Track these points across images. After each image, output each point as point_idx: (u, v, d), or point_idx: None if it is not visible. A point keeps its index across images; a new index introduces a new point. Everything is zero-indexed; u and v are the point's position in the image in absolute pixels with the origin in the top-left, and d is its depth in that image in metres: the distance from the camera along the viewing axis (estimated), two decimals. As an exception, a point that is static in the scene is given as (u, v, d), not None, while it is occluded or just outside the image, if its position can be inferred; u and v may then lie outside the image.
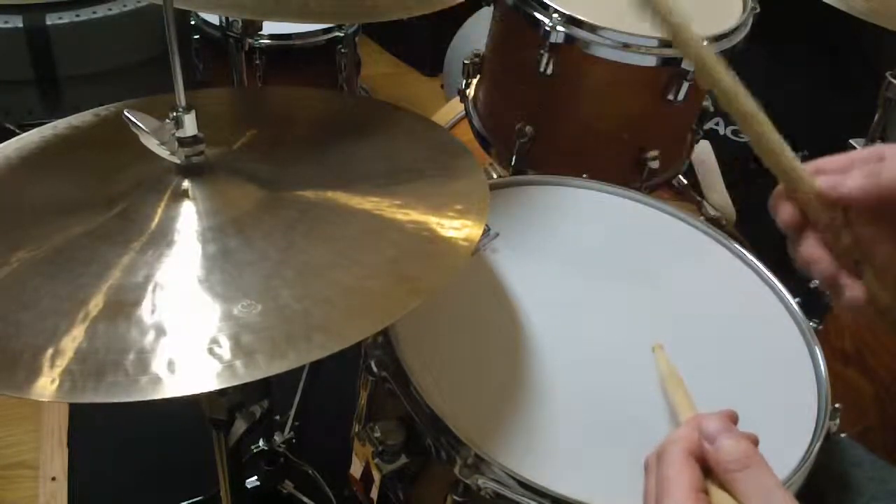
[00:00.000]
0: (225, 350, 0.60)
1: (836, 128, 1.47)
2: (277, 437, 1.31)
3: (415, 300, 0.67)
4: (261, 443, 1.30)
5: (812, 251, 0.52)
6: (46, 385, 0.57)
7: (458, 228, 0.73)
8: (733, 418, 0.51)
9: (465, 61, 1.34)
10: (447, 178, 0.82)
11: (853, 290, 0.51)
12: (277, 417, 1.33)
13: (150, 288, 0.65)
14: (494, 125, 1.31)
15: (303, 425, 1.36)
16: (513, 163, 1.24)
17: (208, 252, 0.69)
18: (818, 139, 1.80)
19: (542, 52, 1.11)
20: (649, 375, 0.79)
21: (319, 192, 0.79)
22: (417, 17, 0.95)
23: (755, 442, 0.50)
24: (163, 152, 0.73)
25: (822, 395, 0.79)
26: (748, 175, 1.72)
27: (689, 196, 1.44)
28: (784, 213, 0.53)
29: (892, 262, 0.51)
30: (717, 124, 1.76)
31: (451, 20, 2.18)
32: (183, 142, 0.73)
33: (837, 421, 0.77)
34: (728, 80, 0.54)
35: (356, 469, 0.82)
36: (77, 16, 1.80)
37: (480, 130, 1.33)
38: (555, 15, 1.09)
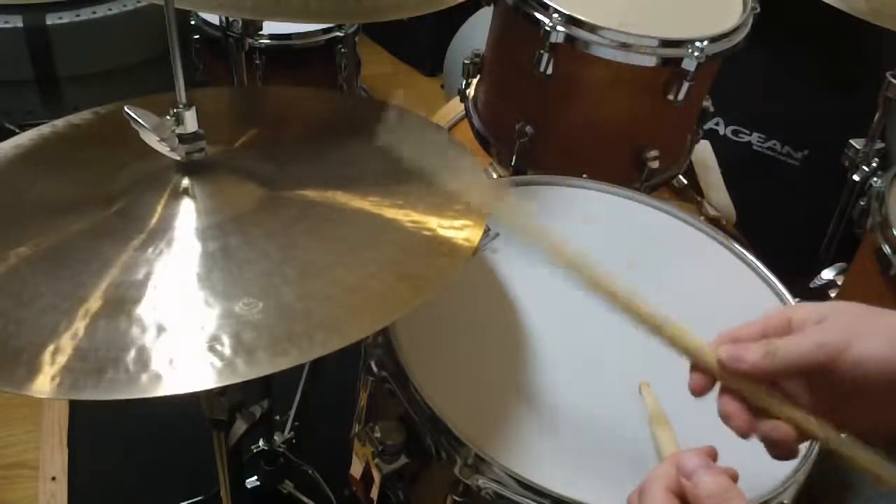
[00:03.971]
0: (226, 347, 0.60)
1: (836, 128, 1.48)
2: (277, 437, 1.31)
3: (415, 299, 0.67)
4: (261, 443, 1.30)
5: (727, 407, 0.55)
6: (46, 382, 0.57)
7: (458, 228, 0.73)
8: (712, 455, 0.53)
9: (465, 61, 1.34)
10: (447, 178, 0.82)
11: (779, 430, 0.54)
12: (277, 417, 1.33)
13: (150, 285, 0.66)
14: (494, 125, 1.31)
15: (303, 425, 1.36)
16: (513, 163, 1.24)
17: (209, 250, 0.69)
18: (818, 139, 1.80)
19: (542, 52, 1.11)
20: (649, 376, 0.79)
21: (320, 191, 0.79)
22: (417, 17, 0.95)
23: (734, 477, 0.52)
24: (163, 149, 0.73)
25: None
26: (748, 175, 1.72)
27: (689, 196, 1.44)
28: (691, 380, 0.57)
29: (818, 407, 0.54)
30: (717, 124, 1.77)
31: (451, 20, 2.18)
32: (183, 138, 0.73)
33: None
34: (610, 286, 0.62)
35: (356, 469, 0.82)
36: (77, 16, 1.80)
37: (480, 130, 1.33)
38: (555, 15, 1.09)
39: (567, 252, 0.62)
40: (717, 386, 0.57)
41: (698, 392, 0.57)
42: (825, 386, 0.53)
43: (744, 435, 0.55)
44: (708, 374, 0.56)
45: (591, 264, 0.62)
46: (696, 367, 0.57)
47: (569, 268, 0.61)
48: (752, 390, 0.54)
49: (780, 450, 0.55)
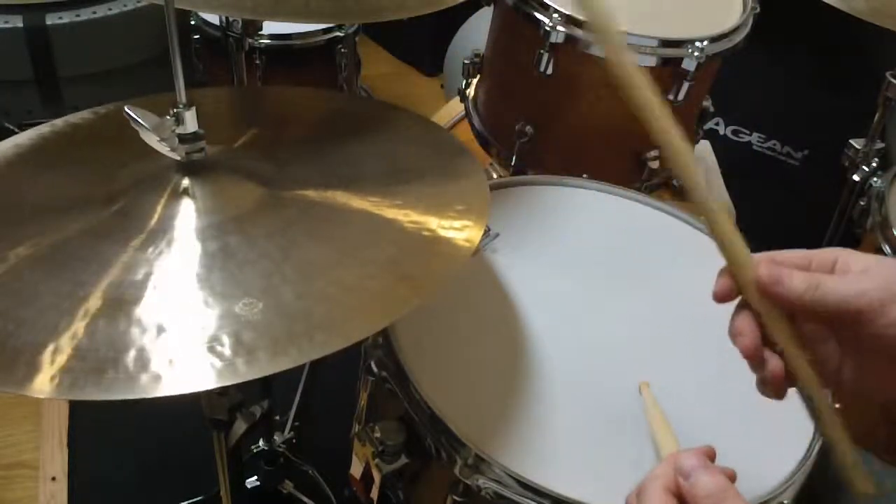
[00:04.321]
0: (226, 348, 0.60)
1: (836, 128, 1.47)
2: (277, 437, 1.31)
3: (415, 300, 0.67)
4: (261, 443, 1.30)
5: (742, 324, 0.53)
6: (46, 382, 0.57)
7: (458, 229, 0.73)
8: (710, 455, 0.52)
9: (465, 61, 1.35)
10: (447, 178, 0.82)
11: (772, 364, 0.52)
12: (277, 417, 1.33)
13: (150, 285, 0.65)
14: (494, 125, 1.31)
15: (303, 425, 1.36)
16: (513, 163, 1.24)
17: (208, 250, 0.69)
18: (818, 139, 1.80)
19: (542, 52, 1.11)
20: (649, 376, 0.79)
21: (320, 191, 0.79)
22: (417, 17, 0.95)
23: (732, 477, 0.51)
24: (163, 149, 0.73)
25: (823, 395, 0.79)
26: (748, 175, 1.72)
27: (689, 196, 1.44)
28: (718, 284, 0.54)
29: (830, 359, 0.52)
30: (717, 124, 1.77)
31: (451, 20, 2.18)
32: (183, 138, 0.73)
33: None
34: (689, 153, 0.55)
35: (356, 469, 0.82)
36: (77, 16, 1.80)
37: (480, 130, 1.33)
38: (555, 15, 1.09)
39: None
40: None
41: (720, 298, 0.54)
42: (852, 341, 0.51)
43: (748, 356, 0.53)
44: (736, 285, 0.53)
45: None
46: (727, 272, 0.54)
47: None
48: (774, 316, 0.52)
49: (767, 387, 0.53)
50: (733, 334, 0.53)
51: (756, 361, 0.53)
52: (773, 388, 0.53)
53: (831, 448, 0.53)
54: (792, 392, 0.55)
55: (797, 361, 0.52)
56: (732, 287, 0.53)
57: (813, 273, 0.52)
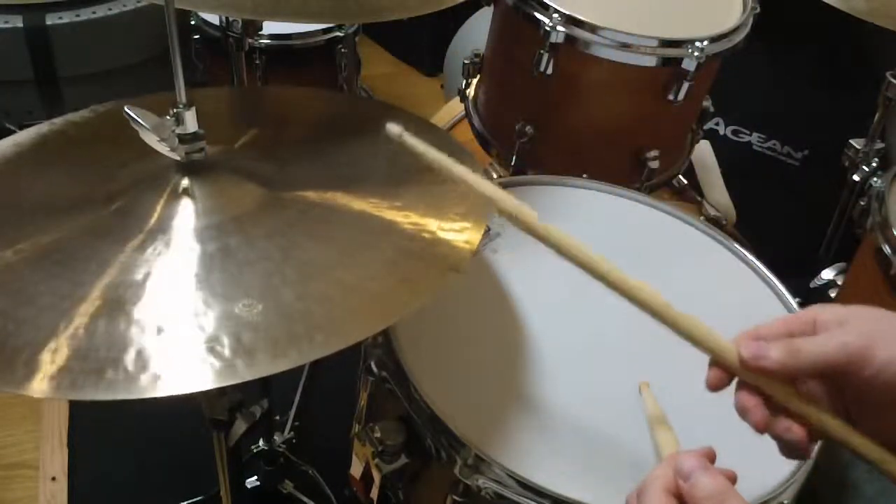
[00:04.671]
0: (225, 348, 0.60)
1: (836, 128, 1.47)
2: (277, 437, 1.31)
3: (415, 301, 0.67)
4: (261, 443, 1.30)
5: (745, 402, 0.54)
6: (46, 382, 0.57)
7: (458, 230, 0.73)
8: (710, 456, 0.53)
9: (465, 61, 1.34)
10: (447, 180, 0.82)
11: (792, 431, 0.53)
12: (277, 417, 1.33)
13: (149, 286, 0.65)
14: (494, 125, 1.31)
15: (303, 425, 1.36)
16: (513, 163, 1.24)
17: (208, 250, 0.69)
18: (818, 139, 1.80)
19: (542, 52, 1.11)
20: (649, 376, 0.79)
21: (320, 192, 0.79)
22: (417, 17, 0.95)
23: (732, 478, 0.52)
24: (163, 149, 0.73)
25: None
26: (748, 175, 1.72)
27: (689, 196, 1.44)
28: (709, 376, 0.56)
29: (837, 414, 0.53)
30: (717, 124, 1.77)
31: (451, 20, 2.18)
32: (183, 138, 0.73)
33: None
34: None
35: (356, 469, 0.82)
36: (77, 16, 1.80)
37: (480, 130, 1.33)
38: (555, 15, 1.09)
39: (575, 247, 0.62)
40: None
41: (714, 388, 0.56)
42: (845, 391, 0.53)
43: (760, 430, 0.54)
44: (726, 371, 0.55)
45: (598, 259, 0.62)
46: (714, 362, 0.56)
47: (577, 263, 0.61)
48: (771, 388, 0.53)
49: (793, 451, 0.54)
50: (740, 413, 0.55)
51: (771, 431, 0.54)
52: (799, 450, 0.54)
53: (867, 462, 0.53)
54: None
55: (812, 413, 0.53)
56: (722, 374, 0.56)
57: (791, 340, 0.53)
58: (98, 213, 0.74)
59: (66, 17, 1.79)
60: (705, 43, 1.08)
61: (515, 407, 0.76)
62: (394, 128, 0.67)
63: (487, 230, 0.92)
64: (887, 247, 1.03)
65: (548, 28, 1.09)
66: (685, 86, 1.11)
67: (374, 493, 0.79)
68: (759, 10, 1.19)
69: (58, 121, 0.89)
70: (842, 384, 0.52)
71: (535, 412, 0.76)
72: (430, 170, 0.66)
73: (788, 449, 0.54)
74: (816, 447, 0.73)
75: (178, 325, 0.62)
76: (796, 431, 0.53)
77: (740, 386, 0.55)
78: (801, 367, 0.52)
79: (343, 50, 1.69)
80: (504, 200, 0.62)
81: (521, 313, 0.86)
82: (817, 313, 0.54)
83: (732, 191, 1.51)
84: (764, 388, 0.54)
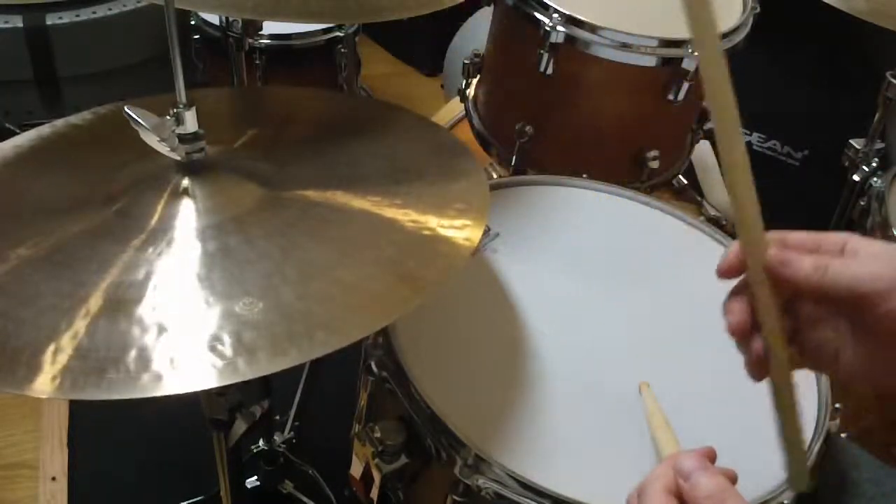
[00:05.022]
0: (226, 347, 0.60)
1: (836, 128, 1.47)
2: (277, 437, 1.31)
3: (415, 299, 0.67)
4: (261, 443, 1.30)
5: (735, 304, 0.53)
6: (46, 382, 0.57)
7: (458, 228, 0.73)
8: (710, 456, 0.52)
9: (465, 61, 1.34)
10: (447, 178, 0.82)
11: (756, 345, 0.52)
12: (277, 417, 1.33)
13: (150, 285, 0.66)
14: (494, 125, 1.31)
15: (303, 425, 1.36)
16: (513, 163, 1.24)
17: (208, 250, 0.69)
18: (818, 139, 1.80)
19: (542, 52, 1.11)
20: (649, 376, 0.79)
21: (320, 191, 0.79)
22: (417, 17, 0.95)
23: (733, 478, 0.52)
24: (163, 149, 0.73)
25: (822, 395, 0.79)
26: (751, 175, 1.72)
27: (689, 196, 1.44)
28: (723, 260, 0.54)
29: (828, 342, 0.53)
30: (717, 124, 1.76)
31: (451, 20, 2.17)
32: (183, 138, 0.73)
33: (838, 421, 0.77)
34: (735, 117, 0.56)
35: (356, 469, 0.82)
36: (77, 16, 1.80)
37: (480, 130, 1.33)
38: (555, 15, 1.09)
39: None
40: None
41: (724, 272, 0.54)
42: (854, 325, 0.51)
43: (732, 331, 0.53)
44: (743, 263, 0.53)
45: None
46: (738, 247, 0.54)
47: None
48: (767, 302, 0.52)
49: (748, 367, 0.54)
50: (725, 311, 0.54)
51: (741, 340, 0.53)
52: (751, 368, 0.54)
53: (787, 444, 0.53)
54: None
55: (775, 351, 0.52)
56: (739, 263, 0.53)
57: (821, 255, 0.51)
58: (99, 213, 0.74)
59: (66, 17, 1.79)
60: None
61: (515, 407, 0.76)
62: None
63: (487, 230, 0.92)
64: (891, 244, 1.03)
65: (548, 28, 1.09)
66: (685, 86, 1.11)
67: (374, 493, 0.79)
68: (759, 10, 1.19)
69: (58, 122, 0.89)
70: (848, 317, 0.51)
71: (535, 412, 0.76)
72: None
73: (747, 364, 0.54)
74: (817, 447, 0.74)
75: (179, 325, 0.62)
76: (757, 347, 0.52)
77: (738, 290, 0.54)
78: (823, 285, 0.50)
79: (343, 50, 1.69)
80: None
81: (520, 313, 0.86)
82: (848, 239, 0.53)
83: (732, 191, 1.51)
84: (759, 300, 0.52)
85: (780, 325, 0.52)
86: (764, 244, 0.52)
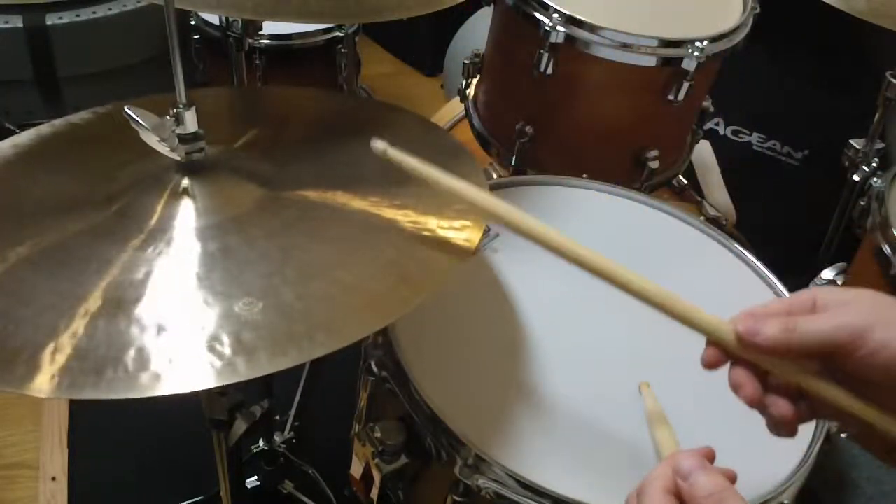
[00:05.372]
0: (226, 347, 0.60)
1: (836, 128, 1.47)
2: (277, 437, 1.31)
3: (415, 299, 0.67)
4: (261, 443, 1.30)
5: (738, 377, 0.55)
6: (46, 381, 0.57)
7: (458, 228, 0.73)
8: (709, 456, 0.53)
9: (465, 61, 1.34)
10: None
11: (779, 407, 0.54)
12: (277, 417, 1.33)
13: (149, 285, 0.66)
14: (494, 125, 1.31)
15: (303, 425, 1.36)
16: (513, 163, 1.24)
17: (208, 250, 0.69)
18: (818, 139, 1.80)
19: (542, 52, 1.11)
20: (649, 376, 0.79)
21: (320, 191, 0.79)
22: (417, 17, 0.95)
23: (732, 478, 0.52)
24: (163, 149, 0.73)
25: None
26: (748, 175, 1.72)
27: (689, 196, 1.44)
28: (705, 354, 0.56)
29: (826, 393, 0.54)
30: (717, 124, 1.77)
31: (451, 20, 2.18)
32: (183, 138, 0.73)
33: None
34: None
35: (356, 469, 0.82)
36: (77, 16, 1.80)
37: (480, 130, 1.33)
38: (555, 15, 1.09)
39: (568, 245, 0.62)
40: (715, 388, 0.57)
41: (711, 366, 0.56)
42: (841, 373, 0.52)
43: (752, 404, 0.54)
44: (722, 350, 0.55)
45: (589, 252, 0.63)
46: (710, 342, 0.56)
47: (567, 257, 0.63)
48: (766, 363, 0.53)
49: (781, 427, 0.54)
50: (733, 388, 0.55)
51: (762, 408, 0.54)
52: (786, 428, 0.55)
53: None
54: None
55: (808, 380, 0.53)
56: (719, 353, 0.55)
57: (788, 318, 0.53)
58: (98, 213, 0.74)
59: (66, 17, 1.79)
60: (705, 43, 1.08)
61: (515, 407, 0.76)
62: (378, 144, 0.69)
63: (487, 230, 0.92)
64: (887, 247, 1.03)
65: (548, 28, 1.09)
66: (685, 86, 1.11)
67: (374, 493, 0.79)
68: (759, 10, 1.19)
69: (58, 122, 0.89)
70: (835, 365, 0.52)
71: (535, 412, 0.76)
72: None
73: (777, 426, 0.54)
74: (816, 448, 0.74)
75: (178, 325, 0.62)
76: (784, 406, 0.53)
77: (735, 363, 0.55)
78: (796, 345, 0.52)
79: (343, 50, 1.69)
80: (495, 206, 0.64)
81: (521, 313, 0.86)
82: (817, 294, 0.54)
83: (732, 191, 1.51)
84: (760, 363, 0.54)
85: (800, 367, 0.53)
86: (726, 326, 0.55)
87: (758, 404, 0.54)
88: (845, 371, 0.52)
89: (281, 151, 0.86)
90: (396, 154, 0.69)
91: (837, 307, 0.52)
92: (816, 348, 0.51)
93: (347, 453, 0.84)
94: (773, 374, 0.54)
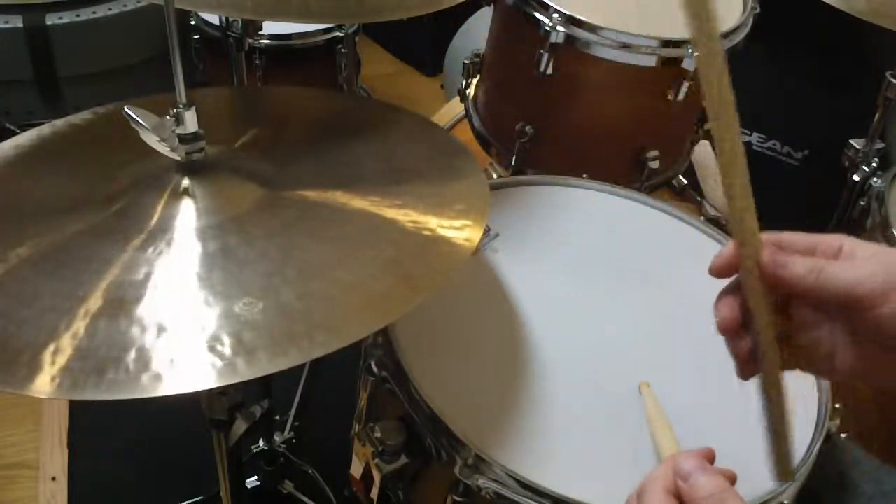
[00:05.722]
0: (226, 348, 0.60)
1: (836, 128, 1.47)
2: (277, 437, 1.31)
3: (415, 299, 0.67)
4: (261, 443, 1.30)
5: (726, 301, 0.54)
6: (46, 382, 0.57)
7: (458, 228, 0.73)
8: (709, 457, 0.53)
9: (465, 61, 1.35)
10: (447, 178, 0.82)
11: (742, 344, 0.53)
12: (277, 417, 1.33)
13: (150, 285, 0.66)
14: (494, 125, 1.31)
15: (303, 425, 1.36)
16: (513, 163, 1.24)
17: (208, 250, 0.69)
18: (818, 139, 1.80)
19: (542, 52, 1.11)
20: (649, 376, 0.79)
21: (320, 191, 0.79)
22: (417, 17, 0.95)
23: (731, 479, 0.52)
24: (163, 149, 0.73)
25: (823, 395, 0.79)
26: (748, 175, 1.72)
27: (689, 196, 1.44)
28: (716, 259, 0.55)
29: (823, 344, 0.53)
30: (717, 124, 1.76)
31: (451, 20, 2.18)
32: (183, 138, 0.73)
33: (838, 421, 0.77)
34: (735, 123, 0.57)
35: (356, 469, 0.82)
36: (77, 16, 1.80)
37: (480, 130, 1.33)
38: (555, 15, 1.09)
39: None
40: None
41: (717, 271, 0.54)
42: (849, 327, 0.52)
43: (721, 328, 0.54)
44: (734, 264, 0.53)
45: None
46: (725, 253, 0.54)
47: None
48: (759, 302, 0.52)
49: (737, 365, 0.54)
50: (715, 308, 0.54)
51: (730, 337, 0.54)
52: (739, 366, 0.54)
53: (774, 436, 0.53)
54: (790, 392, 0.55)
55: (766, 349, 0.52)
56: (733, 262, 0.53)
57: (816, 258, 0.52)
58: (99, 213, 0.74)
59: (66, 17, 1.79)
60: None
61: (515, 407, 0.76)
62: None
63: (487, 230, 0.92)
64: (887, 247, 1.03)
65: (548, 28, 1.09)
66: (685, 86, 1.11)
67: (374, 493, 0.79)
68: (759, 10, 1.19)
69: (58, 122, 0.89)
70: (843, 318, 0.51)
71: (535, 412, 0.76)
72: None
73: (739, 366, 0.55)
74: (816, 448, 0.74)
75: (179, 325, 0.62)
76: (742, 346, 0.53)
77: (730, 289, 0.54)
78: (818, 288, 0.50)
79: (343, 50, 1.69)
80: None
81: (521, 313, 0.86)
82: (844, 241, 0.53)
83: (732, 191, 1.51)
84: (752, 300, 0.52)
85: (771, 322, 0.52)
86: (759, 244, 0.52)
87: (727, 331, 0.54)
88: (854, 324, 0.51)
89: (281, 151, 0.86)
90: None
91: (866, 258, 0.51)
92: (835, 296, 0.50)
93: (347, 453, 0.84)
94: (751, 315, 0.52)
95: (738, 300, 0.53)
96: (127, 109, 0.72)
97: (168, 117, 0.72)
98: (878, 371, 0.52)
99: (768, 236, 0.53)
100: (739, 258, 0.53)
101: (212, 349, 0.60)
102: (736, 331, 0.53)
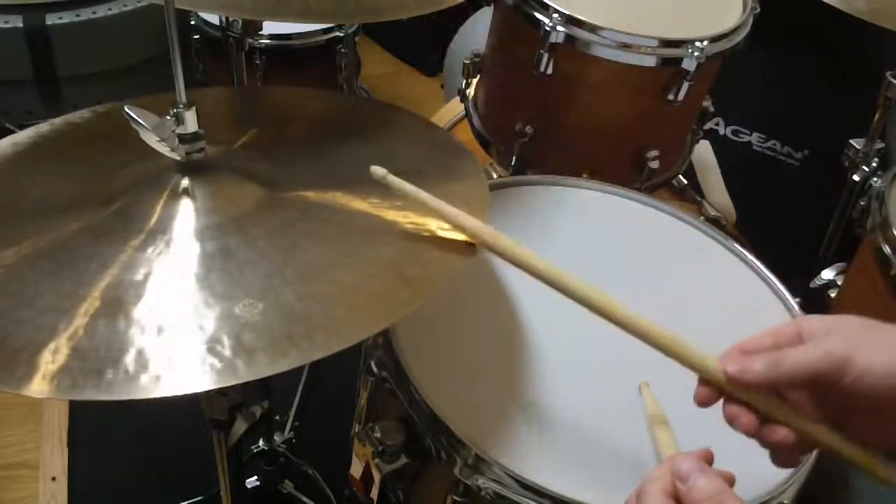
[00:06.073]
0: (226, 349, 0.60)
1: (836, 128, 1.47)
2: (277, 437, 1.31)
3: (415, 300, 0.67)
4: (261, 443, 1.30)
5: (733, 410, 0.56)
6: (45, 382, 0.57)
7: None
8: (708, 458, 0.53)
9: (465, 61, 1.34)
10: (447, 178, 0.82)
11: (778, 433, 0.54)
12: (277, 417, 1.33)
13: (149, 286, 0.65)
14: (494, 125, 1.31)
15: (303, 425, 1.36)
16: (513, 163, 1.24)
17: (208, 250, 0.69)
18: (818, 139, 1.80)
19: (542, 52, 1.11)
20: (649, 376, 0.79)
21: (320, 192, 0.79)
22: (417, 17, 0.95)
23: (730, 480, 0.52)
24: (163, 149, 0.73)
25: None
26: (748, 175, 1.72)
27: (689, 196, 1.44)
28: (698, 392, 0.57)
29: (822, 422, 0.55)
30: (717, 124, 1.76)
31: (451, 20, 2.18)
32: (183, 138, 0.73)
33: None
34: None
35: (356, 469, 0.82)
36: (77, 16, 1.80)
37: (480, 130, 1.33)
38: (555, 15, 1.09)
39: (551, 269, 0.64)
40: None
41: (704, 403, 0.57)
42: (831, 399, 0.53)
43: (749, 434, 0.55)
44: (714, 387, 0.56)
45: (582, 284, 0.66)
46: (702, 380, 0.57)
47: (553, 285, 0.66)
48: (758, 400, 0.55)
49: (781, 456, 0.55)
50: (729, 421, 0.56)
51: (760, 437, 0.55)
52: (786, 457, 0.56)
53: (854, 468, 0.55)
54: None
55: (799, 423, 0.54)
56: (711, 391, 0.57)
57: (772, 352, 0.54)
58: (98, 213, 0.74)
59: (66, 17, 1.79)
60: (705, 43, 1.08)
61: (515, 407, 0.76)
62: (377, 170, 0.72)
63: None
64: (887, 247, 1.03)
65: (548, 28, 1.09)
66: (685, 86, 1.11)
67: (374, 493, 0.79)
68: (759, 10, 1.19)
69: (58, 121, 0.89)
70: (825, 392, 0.53)
71: (535, 412, 0.76)
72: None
73: (778, 457, 0.56)
74: (813, 453, 0.74)
75: (178, 326, 0.62)
76: (786, 435, 0.54)
77: (728, 399, 0.56)
78: (784, 378, 0.53)
79: (343, 50, 1.69)
80: (489, 236, 0.68)
81: (521, 313, 0.86)
82: (801, 323, 0.55)
83: (732, 191, 1.51)
84: (752, 402, 0.55)
85: (786, 408, 0.55)
86: (714, 367, 0.56)
87: (756, 434, 0.55)
88: (834, 398, 0.53)
89: (281, 151, 0.86)
90: (394, 181, 0.72)
91: (821, 336, 0.54)
92: (804, 378, 0.53)
93: (347, 453, 0.84)
94: (762, 410, 0.55)
95: (741, 407, 0.55)
96: (127, 109, 0.72)
97: (168, 117, 0.72)
98: (873, 434, 0.54)
99: (732, 348, 0.56)
100: (713, 384, 0.56)
101: (211, 350, 0.60)
102: (759, 428, 0.55)
